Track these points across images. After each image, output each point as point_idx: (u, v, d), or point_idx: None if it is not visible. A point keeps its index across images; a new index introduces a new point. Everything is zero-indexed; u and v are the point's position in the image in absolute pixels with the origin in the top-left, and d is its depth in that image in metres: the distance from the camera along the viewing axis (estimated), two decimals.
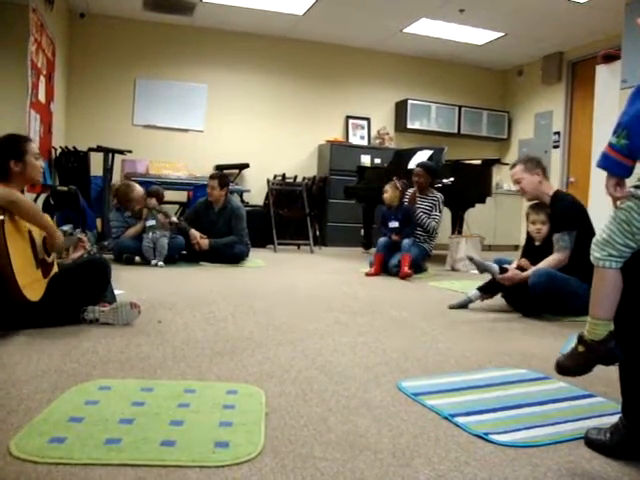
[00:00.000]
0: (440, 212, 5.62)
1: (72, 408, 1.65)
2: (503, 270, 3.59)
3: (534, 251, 3.66)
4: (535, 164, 3.64)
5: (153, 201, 5.32)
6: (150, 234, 5.18)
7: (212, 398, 1.79)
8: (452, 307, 3.65)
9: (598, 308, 1.54)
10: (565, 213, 3.49)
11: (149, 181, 6.74)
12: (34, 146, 2.72)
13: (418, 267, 5.40)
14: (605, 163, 1.54)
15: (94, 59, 7.77)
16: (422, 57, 9.23)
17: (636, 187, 1.46)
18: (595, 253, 1.53)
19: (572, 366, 1.60)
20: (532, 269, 3.47)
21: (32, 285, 2.52)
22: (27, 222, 2.55)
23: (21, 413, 1.61)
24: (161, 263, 5.12)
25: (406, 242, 5.14)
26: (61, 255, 2.99)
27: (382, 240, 5.37)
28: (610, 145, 1.52)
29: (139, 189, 5.55)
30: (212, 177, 5.70)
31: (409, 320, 3.22)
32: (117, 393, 1.80)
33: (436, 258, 6.22)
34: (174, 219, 5.44)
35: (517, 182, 3.69)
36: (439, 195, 5.68)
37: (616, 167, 1.51)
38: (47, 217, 2.69)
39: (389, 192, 5.38)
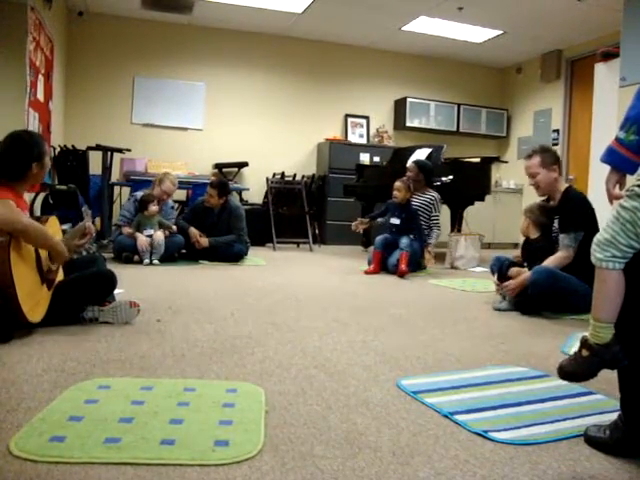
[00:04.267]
0: (438, 212, 5.62)
1: (72, 407, 1.65)
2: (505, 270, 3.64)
3: (529, 248, 3.70)
4: (553, 159, 3.58)
5: (155, 207, 5.29)
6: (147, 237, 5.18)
7: (212, 397, 1.79)
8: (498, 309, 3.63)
9: (601, 310, 1.50)
10: (573, 213, 3.46)
11: (148, 180, 6.73)
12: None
13: (418, 265, 5.41)
14: (611, 158, 1.49)
15: (93, 57, 7.76)
16: (421, 55, 9.23)
17: None
18: (597, 254, 1.49)
19: (577, 371, 1.55)
20: (528, 272, 3.48)
21: (36, 306, 2.48)
22: (35, 246, 2.49)
23: (21, 412, 1.61)
24: (156, 261, 5.12)
25: (404, 241, 5.14)
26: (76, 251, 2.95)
27: (380, 237, 5.38)
28: (618, 140, 1.47)
29: (168, 185, 5.51)
30: (212, 186, 5.65)
31: (408, 318, 3.22)
32: (117, 392, 1.80)
33: (436, 256, 6.21)
34: (174, 228, 5.39)
35: (531, 176, 3.61)
36: (435, 194, 5.66)
37: (623, 163, 1.47)
38: (54, 239, 2.58)
39: (402, 192, 5.35)
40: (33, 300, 2.46)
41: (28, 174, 2.52)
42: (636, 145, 1.43)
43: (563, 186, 3.61)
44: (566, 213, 3.51)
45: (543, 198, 3.77)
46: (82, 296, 2.72)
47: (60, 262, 2.65)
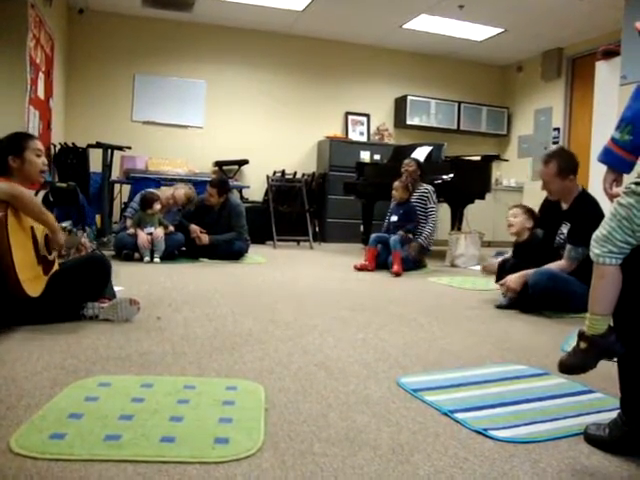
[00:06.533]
0: (435, 203, 5.62)
1: (72, 404, 1.65)
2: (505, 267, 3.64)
3: (518, 248, 3.69)
4: (571, 166, 3.39)
5: (159, 206, 5.29)
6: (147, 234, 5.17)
7: (212, 394, 1.79)
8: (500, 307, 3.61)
9: (598, 304, 1.53)
10: (587, 227, 3.26)
11: (149, 178, 6.74)
12: (37, 143, 2.69)
13: (418, 263, 5.42)
14: (607, 158, 1.52)
15: (93, 55, 7.76)
16: (421, 53, 9.22)
17: (636, 184, 1.44)
18: (595, 249, 1.51)
19: (576, 364, 1.57)
20: (529, 271, 3.47)
21: (32, 280, 2.51)
22: (29, 218, 2.54)
23: (21, 409, 1.61)
24: (157, 259, 5.12)
25: (393, 239, 5.16)
26: (61, 254, 2.97)
27: (374, 235, 5.47)
28: (613, 140, 1.50)
29: (180, 193, 5.53)
30: (212, 185, 5.65)
31: (409, 316, 3.22)
32: (117, 389, 1.80)
33: (436, 254, 6.23)
34: (171, 228, 5.38)
35: (545, 183, 3.46)
36: (429, 187, 5.67)
37: (618, 163, 1.50)
38: (50, 214, 2.67)
39: (399, 192, 5.47)
40: (29, 273, 2.49)
41: (9, 168, 2.57)
42: (630, 145, 1.45)
43: (577, 189, 3.46)
44: (580, 224, 3.31)
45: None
46: (77, 282, 2.72)
47: (56, 242, 2.68)
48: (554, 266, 3.43)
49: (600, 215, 3.35)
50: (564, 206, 3.54)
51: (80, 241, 3.04)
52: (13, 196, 2.41)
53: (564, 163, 3.40)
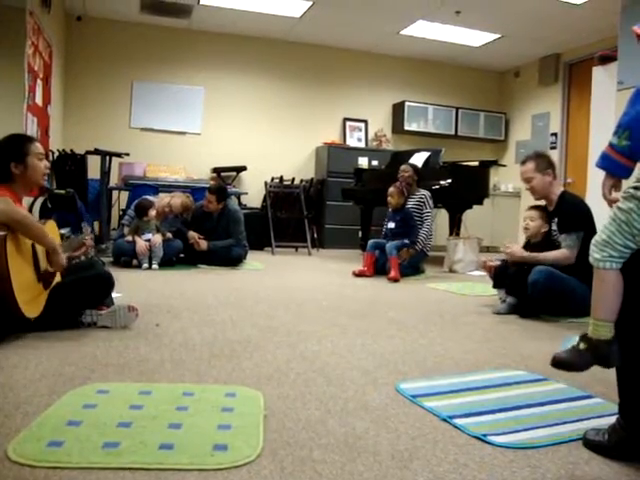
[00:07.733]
0: (431, 208, 5.63)
1: (70, 412, 1.64)
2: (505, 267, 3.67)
3: (529, 248, 3.70)
4: (547, 163, 3.61)
5: (154, 212, 5.29)
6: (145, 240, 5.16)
7: (210, 401, 1.78)
8: (498, 313, 3.65)
9: (600, 310, 1.53)
10: (571, 214, 3.50)
11: (147, 184, 6.74)
12: (37, 146, 2.64)
13: (416, 269, 5.42)
14: (605, 164, 1.53)
15: (91, 62, 7.77)
16: (419, 59, 9.24)
17: (636, 188, 1.45)
18: (594, 254, 1.52)
19: (570, 361, 1.57)
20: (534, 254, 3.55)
21: (31, 302, 2.47)
22: (30, 240, 2.51)
23: (19, 417, 1.60)
24: (155, 266, 5.11)
25: (389, 245, 5.16)
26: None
27: (371, 241, 5.46)
28: (611, 145, 1.51)
29: (176, 202, 5.51)
30: (211, 191, 5.64)
31: (407, 322, 3.22)
32: (115, 397, 1.79)
33: (434, 260, 6.23)
34: (169, 235, 5.36)
35: (527, 181, 3.65)
36: (426, 192, 5.68)
37: (616, 168, 1.51)
38: (50, 236, 2.60)
39: (395, 198, 5.41)
40: (29, 294, 2.46)
41: (11, 174, 2.53)
42: (628, 150, 1.46)
43: (559, 190, 3.64)
44: (564, 215, 3.54)
45: (540, 203, 3.78)
46: (79, 298, 2.71)
47: (57, 264, 2.64)
48: (555, 253, 3.49)
49: (583, 204, 3.54)
50: (550, 209, 3.67)
51: (84, 239, 2.96)
52: (15, 221, 2.37)
53: (540, 159, 3.64)
